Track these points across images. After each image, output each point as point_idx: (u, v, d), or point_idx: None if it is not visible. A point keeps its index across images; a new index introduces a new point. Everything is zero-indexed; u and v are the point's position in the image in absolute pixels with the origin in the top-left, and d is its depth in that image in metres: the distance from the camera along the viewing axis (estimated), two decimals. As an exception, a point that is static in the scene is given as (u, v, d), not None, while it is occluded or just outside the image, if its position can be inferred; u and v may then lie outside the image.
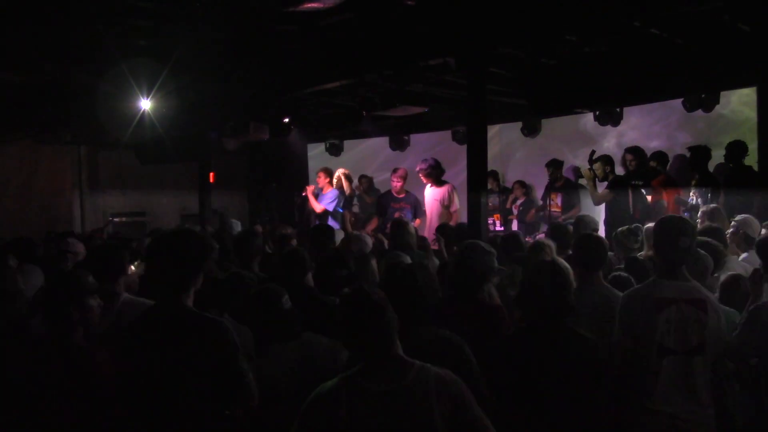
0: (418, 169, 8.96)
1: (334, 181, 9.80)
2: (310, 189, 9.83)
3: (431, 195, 8.99)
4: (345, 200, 9.80)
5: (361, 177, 11.89)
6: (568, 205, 9.31)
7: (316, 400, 2.41)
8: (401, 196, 9.06)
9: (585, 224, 6.05)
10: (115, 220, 12.09)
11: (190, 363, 2.57)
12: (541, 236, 8.29)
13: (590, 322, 3.44)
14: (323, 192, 9.73)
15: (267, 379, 3.06)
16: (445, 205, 8.86)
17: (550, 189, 9.52)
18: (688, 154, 7.65)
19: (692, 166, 7.47)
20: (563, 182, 9.59)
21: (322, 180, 9.85)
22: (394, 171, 9.22)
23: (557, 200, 9.33)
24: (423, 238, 6.85)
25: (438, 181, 8.95)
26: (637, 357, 3.28)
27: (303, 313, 3.45)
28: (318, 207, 9.54)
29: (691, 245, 3.41)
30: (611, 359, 3.29)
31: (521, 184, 10.51)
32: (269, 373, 3.15)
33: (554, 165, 9.62)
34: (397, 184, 9.05)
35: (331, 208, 9.47)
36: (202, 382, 2.59)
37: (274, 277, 4.52)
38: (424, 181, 8.98)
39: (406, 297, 3.06)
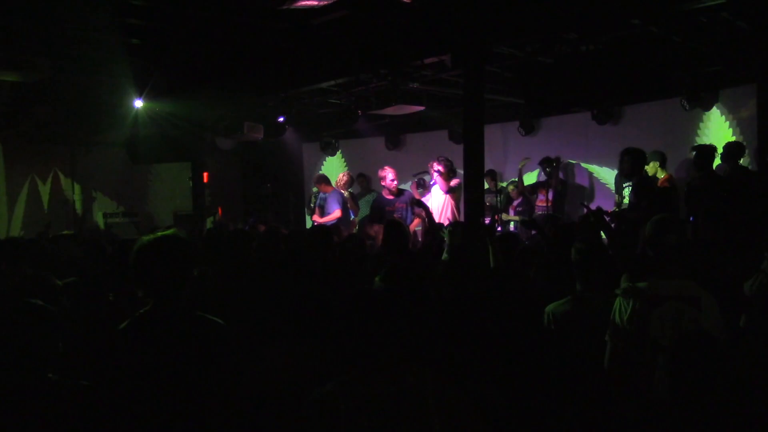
0: (436, 167, 8.84)
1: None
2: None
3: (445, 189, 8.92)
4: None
5: (360, 176, 11.82)
6: (559, 203, 9.45)
7: (313, 404, 2.35)
8: (391, 197, 8.90)
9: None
10: (108, 220, 12.01)
11: (196, 361, 2.66)
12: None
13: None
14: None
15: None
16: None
17: (543, 185, 9.58)
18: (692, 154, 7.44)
19: (696, 166, 7.23)
20: (556, 180, 9.65)
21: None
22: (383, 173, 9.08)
23: (549, 195, 9.34)
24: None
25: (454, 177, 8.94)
26: (631, 355, 3.26)
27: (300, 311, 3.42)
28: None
29: (680, 242, 3.38)
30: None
31: (514, 184, 10.44)
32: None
33: (548, 162, 9.68)
34: (391, 183, 8.94)
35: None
36: (206, 380, 2.68)
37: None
38: (444, 171, 8.83)
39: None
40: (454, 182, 8.73)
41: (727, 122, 8.59)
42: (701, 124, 8.81)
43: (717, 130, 8.64)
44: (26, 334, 2.43)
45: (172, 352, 2.63)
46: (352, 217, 10.03)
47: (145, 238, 2.75)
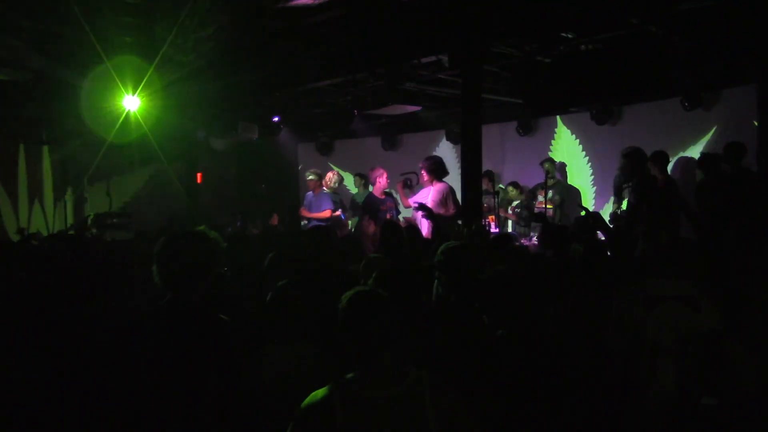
0: (420, 165, 8.71)
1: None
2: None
3: (427, 194, 8.74)
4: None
5: (356, 176, 11.71)
6: (554, 201, 9.39)
7: (309, 408, 2.32)
8: (383, 197, 8.86)
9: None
10: (100, 222, 11.88)
11: (202, 356, 2.72)
12: (536, 240, 8.18)
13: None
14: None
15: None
16: (443, 205, 8.66)
17: (543, 186, 9.53)
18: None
19: (704, 171, 7.19)
20: (555, 181, 9.59)
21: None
22: (379, 172, 8.99)
23: (545, 196, 9.30)
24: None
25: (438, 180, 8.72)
26: (630, 355, 3.27)
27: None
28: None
29: (675, 242, 3.46)
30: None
31: (515, 185, 10.37)
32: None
33: (549, 163, 9.61)
34: (385, 182, 8.89)
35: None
36: (210, 375, 2.74)
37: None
38: (425, 178, 8.65)
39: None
40: (436, 192, 8.50)
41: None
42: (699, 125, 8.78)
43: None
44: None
45: (181, 345, 2.70)
46: (343, 217, 9.93)
47: (173, 232, 2.89)
